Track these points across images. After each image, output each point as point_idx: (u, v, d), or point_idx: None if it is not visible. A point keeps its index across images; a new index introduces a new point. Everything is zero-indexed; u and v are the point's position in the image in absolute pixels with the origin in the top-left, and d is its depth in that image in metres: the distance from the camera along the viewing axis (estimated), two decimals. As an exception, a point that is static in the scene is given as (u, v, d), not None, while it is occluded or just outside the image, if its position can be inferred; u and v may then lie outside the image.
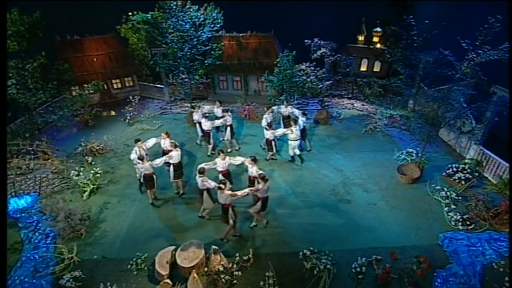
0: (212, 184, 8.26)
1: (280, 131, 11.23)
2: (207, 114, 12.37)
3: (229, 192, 7.70)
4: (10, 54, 12.05)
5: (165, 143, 10.48)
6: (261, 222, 8.71)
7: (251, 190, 7.99)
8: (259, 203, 8.18)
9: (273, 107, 12.50)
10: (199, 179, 8.41)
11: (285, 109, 12.56)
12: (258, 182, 8.06)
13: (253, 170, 8.87)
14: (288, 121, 11.86)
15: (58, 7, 17.43)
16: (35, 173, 10.93)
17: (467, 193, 9.50)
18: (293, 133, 10.86)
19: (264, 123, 11.51)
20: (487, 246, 7.79)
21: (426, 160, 10.76)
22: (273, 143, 11.31)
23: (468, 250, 7.69)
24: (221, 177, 8.85)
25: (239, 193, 7.77)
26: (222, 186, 7.65)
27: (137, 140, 9.90)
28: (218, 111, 12.59)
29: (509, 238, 7.83)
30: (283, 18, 20.92)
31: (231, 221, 7.92)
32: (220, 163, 9.24)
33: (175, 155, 9.52)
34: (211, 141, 11.98)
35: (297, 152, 11.38)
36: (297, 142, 11.14)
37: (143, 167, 9.12)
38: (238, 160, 9.41)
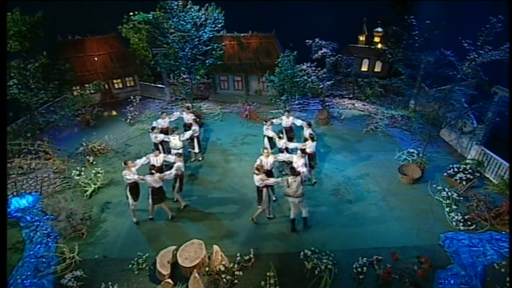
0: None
1: (160, 137, 10.61)
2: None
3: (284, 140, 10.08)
4: (12, 54, 12.09)
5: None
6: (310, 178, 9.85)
7: (301, 144, 9.85)
8: (306, 158, 9.48)
9: (175, 113, 12.40)
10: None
11: (187, 116, 11.93)
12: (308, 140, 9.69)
13: (307, 132, 10.23)
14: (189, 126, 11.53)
15: (60, 7, 17.43)
16: (36, 173, 10.95)
17: (468, 193, 9.49)
18: (171, 141, 10.56)
19: (149, 126, 11.16)
20: (488, 247, 7.77)
21: (427, 160, 10.74)
22: (159, 146, 10.67)
23: (469, 251, 7.68)
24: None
25: (291, 144, 10.03)
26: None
27: (125, 162, 8.73)
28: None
29: (510, 239, 7.82)
30: (284, 18, 20.91)
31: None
32: (285, 120, 11.28)
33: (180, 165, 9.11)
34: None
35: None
36: (180, 151, 10.18)
37: (150, 180, 8.43)
38: (298, 121, 11.20)
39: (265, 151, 9.07)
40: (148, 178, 8.39)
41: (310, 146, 9.67)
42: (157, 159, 9.51)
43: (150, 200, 8.75)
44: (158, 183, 8.47)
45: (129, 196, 8.64)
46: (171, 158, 9.55)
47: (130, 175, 8.40)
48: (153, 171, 8.50)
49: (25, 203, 9.71)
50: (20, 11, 12.03)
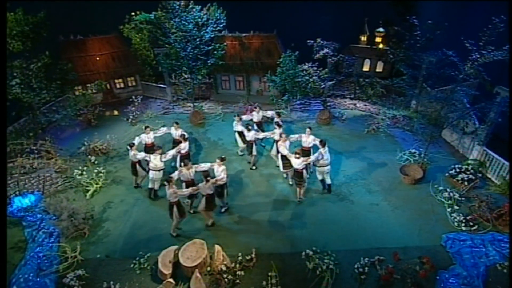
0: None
1: (140, 155, 9.75)
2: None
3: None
4: (14, 54, 12.13)
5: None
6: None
7: (270, 132, 10.99)
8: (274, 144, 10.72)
9: (161, 128, 11.45)
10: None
11: (176, 132, 11.11)
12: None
13: (275, 121, 11.37)
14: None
15: (62, 7, 17.51)
16: (38, 172, 10.98)
17: (470, 194, 9.46)
18: (151, 160, 9.47)
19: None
20: (491, 247, 7.75)
21: (429, 161, 10.73)
22: (136, 165, 10.02)
23: (471, 251, 7.67)
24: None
25: (261, 134, 11.13)
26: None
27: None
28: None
29: (509, 239, 7.81)
30: (285, 18, 20.93)
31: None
32: (256, 115, 12.12)
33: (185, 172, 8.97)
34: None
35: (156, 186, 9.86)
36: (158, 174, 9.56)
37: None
38: (268, 113, 12.28)
39: (283, 136, 9.97)
40: (202, 185, 8.17)
41: (277, 133, 10.53)
42: (190, 172, 8.85)
43: (203, 208, 8.45)
44: (211, 189, 8.34)
45: (178, 214, 8.14)
46: (204, 166, 9.13)
47: (182, 191, 8.10)
48: (208, 178, 8.21)
49: (28, 202, 9.73)
50: (22, 11, 12.07)
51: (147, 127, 10.99)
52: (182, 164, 9.32)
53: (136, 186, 10.52)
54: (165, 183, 7.96)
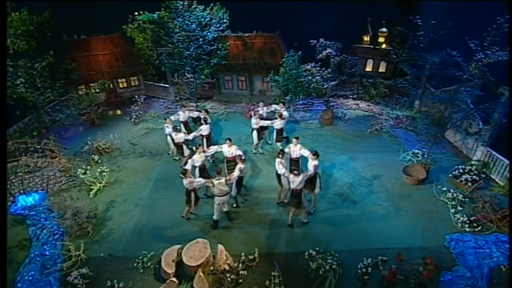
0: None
1: (199, 181, 8.53)
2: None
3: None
4: (19, 54, 12.22)
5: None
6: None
7: (197, 131, 11.34)
8: (203, 140, 11.39)
9: (214, 147, 10.22)
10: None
11: (229, 150, 9.81)
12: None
13: (202, 117, 11.87)
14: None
15: (66, 7, 17.62)
16: (42, 171, 11.03)
17: (474, 194, 9.42)
18: (215, 188, 8.19)
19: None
20: (495, 249, 7.72)
21: (432, 161, 10.69)
22: (192, 194, 8.72)
23: (475, 252, 7.63)
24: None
25: (190, 135, 11.38)
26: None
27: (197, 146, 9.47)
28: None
29: (509, 239, 7.77)
30: (288, 18, 20.96)
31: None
32: (182, 115, 12.30)
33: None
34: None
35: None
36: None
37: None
38: (194, 113, 12.71)
39: (256, 114, 11.74)
40: (312, 169, 8.36)
41: (205, 129, 11.22)
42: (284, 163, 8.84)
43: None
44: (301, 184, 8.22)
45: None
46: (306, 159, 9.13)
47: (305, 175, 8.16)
48: (295, 172, 8.17)
49: (32, 201, 9.79)
50: (27, 11, 12.15)
51: (200, 145, 9.62)
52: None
53: (188, 218, 9.12)
54: (295, 172, 7.98)
